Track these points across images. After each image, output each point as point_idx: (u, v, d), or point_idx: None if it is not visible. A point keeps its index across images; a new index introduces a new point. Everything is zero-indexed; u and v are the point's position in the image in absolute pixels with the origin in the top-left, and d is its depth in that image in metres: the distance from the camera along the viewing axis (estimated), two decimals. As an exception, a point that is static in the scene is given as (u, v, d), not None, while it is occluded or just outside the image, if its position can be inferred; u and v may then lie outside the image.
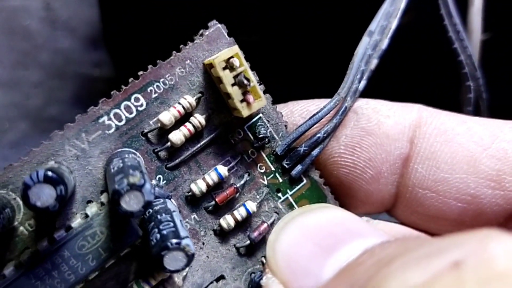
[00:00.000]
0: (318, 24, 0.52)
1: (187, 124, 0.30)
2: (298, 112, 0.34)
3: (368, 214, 0.35)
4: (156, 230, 0.26)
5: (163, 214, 0.28)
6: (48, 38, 0.52)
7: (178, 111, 0.29)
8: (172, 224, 0.27)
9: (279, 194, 0.33)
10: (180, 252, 0.25)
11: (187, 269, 0.31)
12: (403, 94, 0.38)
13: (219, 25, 0.31)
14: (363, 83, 0.33)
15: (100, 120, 0.29)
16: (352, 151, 0.33)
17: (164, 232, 0.26)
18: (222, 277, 0.32)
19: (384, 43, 0.33)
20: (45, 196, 0.24)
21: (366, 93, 0.33)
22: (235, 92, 0.28)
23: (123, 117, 0.29)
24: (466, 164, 0.32)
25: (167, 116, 0.29)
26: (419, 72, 0.54)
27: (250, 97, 0.28)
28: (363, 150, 0.33)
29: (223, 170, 0.31)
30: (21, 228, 0.28)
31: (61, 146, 0.28)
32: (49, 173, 0.24)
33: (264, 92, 0.32)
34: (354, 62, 0.32)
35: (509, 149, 0.32)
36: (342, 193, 0.34)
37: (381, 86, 0.41)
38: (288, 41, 0.52)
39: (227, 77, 0.28)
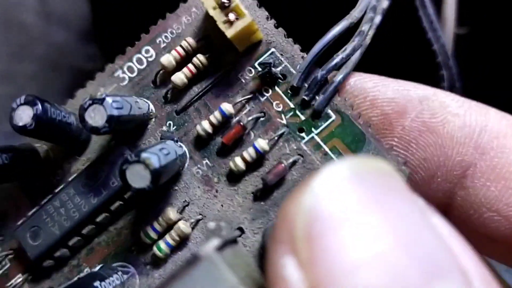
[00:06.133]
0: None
1: (189, 64, 0.29)
2: None
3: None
4: None
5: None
6: (43, 32, 0.53)
7: (178, 52, 0.29)
8: (148, 146, 0.26)
9: (302, 134, 0.28)
10: (141, 165, 0.24)
11: (199, 216, 0.28)
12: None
13: None
14: (378, 17, 0.29)
15: (115, 74, 0.31)
16: (406, 146, 0.28)
17: None
18: (240, 230, 0.28)
19: None
20: (25, 116, 0.26)
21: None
22: (217, 15, 0.27)
23: (135, 69, 0.31)
24: None
25: (167, 58, 0.29)
26: (396, 64, 0.47)
27: (231, 15, 0.27)
28: (419, 147, 0.28)
29: (226, 107, 0.28)
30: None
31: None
32: (29, 97, 0.26)
33: (276, 26, 0.29)
34: None
35: None
36: None
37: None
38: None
39: (208, 1, 0.27)
